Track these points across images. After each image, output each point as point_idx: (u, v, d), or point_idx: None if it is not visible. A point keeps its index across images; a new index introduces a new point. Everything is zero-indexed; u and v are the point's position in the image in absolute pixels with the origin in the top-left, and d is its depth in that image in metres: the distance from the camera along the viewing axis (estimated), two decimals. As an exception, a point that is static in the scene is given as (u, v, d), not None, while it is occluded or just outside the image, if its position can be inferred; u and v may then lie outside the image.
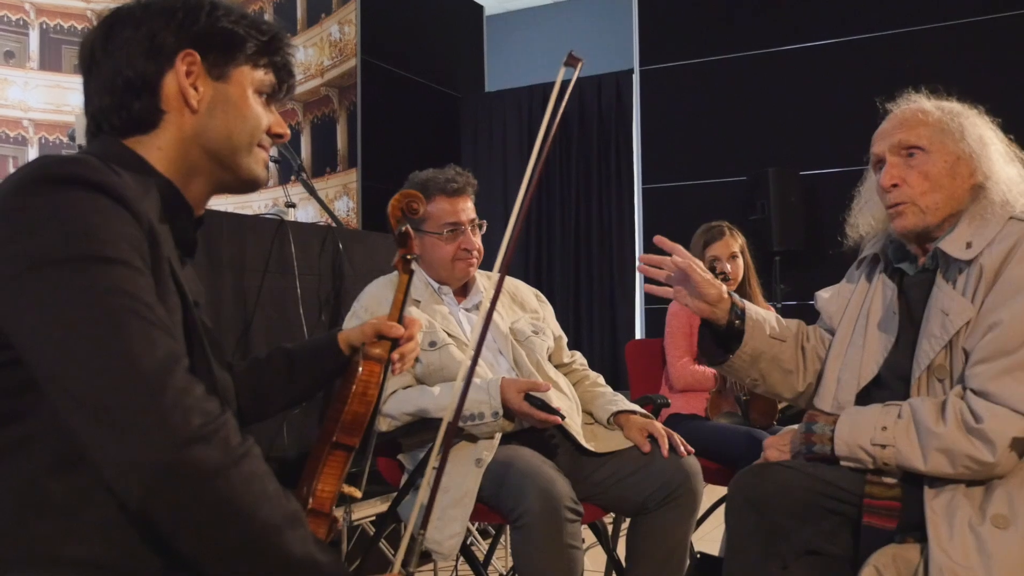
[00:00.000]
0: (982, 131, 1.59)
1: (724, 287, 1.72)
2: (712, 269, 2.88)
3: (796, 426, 1.68)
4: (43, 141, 5.93)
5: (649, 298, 5.97)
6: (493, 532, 2.86)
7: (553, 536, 1.77)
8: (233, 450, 0.88)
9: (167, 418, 0.84)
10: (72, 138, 3.81)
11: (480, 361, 2.03)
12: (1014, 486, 1.41)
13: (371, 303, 2.08)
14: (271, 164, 4.81)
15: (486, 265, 2.16)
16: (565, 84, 1.62)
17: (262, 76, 1.13)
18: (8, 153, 5.81)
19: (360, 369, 1.25)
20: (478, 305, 2.18)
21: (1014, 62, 4.80)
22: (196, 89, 1.08)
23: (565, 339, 2.34)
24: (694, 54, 5.78)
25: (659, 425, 2.03)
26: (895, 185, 1.59)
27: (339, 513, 2.24)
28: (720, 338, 1.75)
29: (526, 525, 1.78)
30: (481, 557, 2.67)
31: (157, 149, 1.08)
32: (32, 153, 5.90)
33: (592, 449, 2.05)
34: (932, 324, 1.53)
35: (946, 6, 5.02)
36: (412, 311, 2.05)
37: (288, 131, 1.19)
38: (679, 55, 5.83)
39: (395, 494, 2.05)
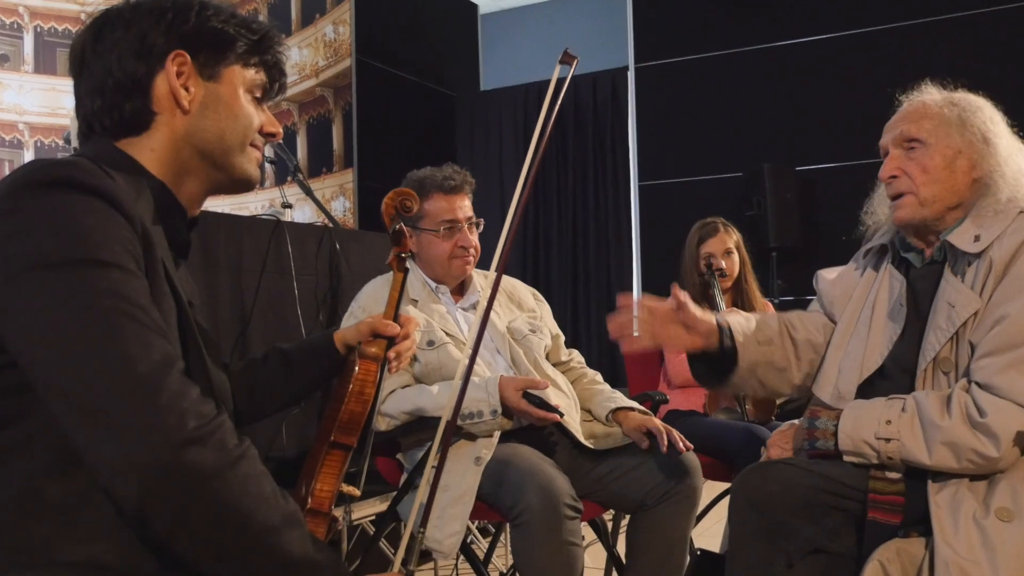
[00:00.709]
0: (987, 125, 1.58)
1: (711, 314, 1.72)
2: (708, 266, 2.90)
3: (797, 421, 1.67)
4: (39, 144, 5.92)
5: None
6: (493, 530, 2.86)
7: (553, 533, 1.77)
8: (229, 452, 0.88)
9: (162, 421, 0.84)
10: (68, 141, 3.81)
11: (478, 360, 2.03)
12: (1018, 479, 1.41)
13: (369, 303, 2.08)
14: (267, 165, 4.81)
15: (483, 263, 2.16)
16: (561, 82, 1.62)
17: (253, 75, 1.13)
18: (4, 157, 5.80)
19: (356, 368, 1.25)
20: (475, 304, 2.18)
21: (1014, 54, 4.80)
22: (187, 90, 1.07)
23: (563, 338, 2.34)
24: (689, 51, 5.78)
25: (658, 421, 2.03)
26: (894, 176, 1.61)
27: (339, 513, 2.24)
28: (713, 362, 1.75)
29: (526, 523, 1.78)
30: (481, 555, 2.67)
31: (149, 150, 1.07)
32: (28, 156, 5.88)
33: (591, 446, 2.05)
34: (939, 316, 1.53)
35: (941, -1, 5.03)
36: (409, 310, 2.05)
37: (280, 130, 1.18)
38: (674, 52, 5.83)
39: (395, 493, 2.05)
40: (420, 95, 6.42)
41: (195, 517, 0.86)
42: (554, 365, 2.24)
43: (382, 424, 1.98)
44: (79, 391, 0.84)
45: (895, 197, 1.61)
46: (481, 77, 7.19)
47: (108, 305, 0.87)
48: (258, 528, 0.89)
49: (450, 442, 1.62)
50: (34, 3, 5.93)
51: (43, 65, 5.97)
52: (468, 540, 1.93)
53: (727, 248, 2.92)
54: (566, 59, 1.64)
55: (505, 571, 2.65)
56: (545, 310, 2.34)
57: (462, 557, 1.95)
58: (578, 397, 2.20)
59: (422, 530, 1.58)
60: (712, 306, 2.88)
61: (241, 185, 1.15)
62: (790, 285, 5.12)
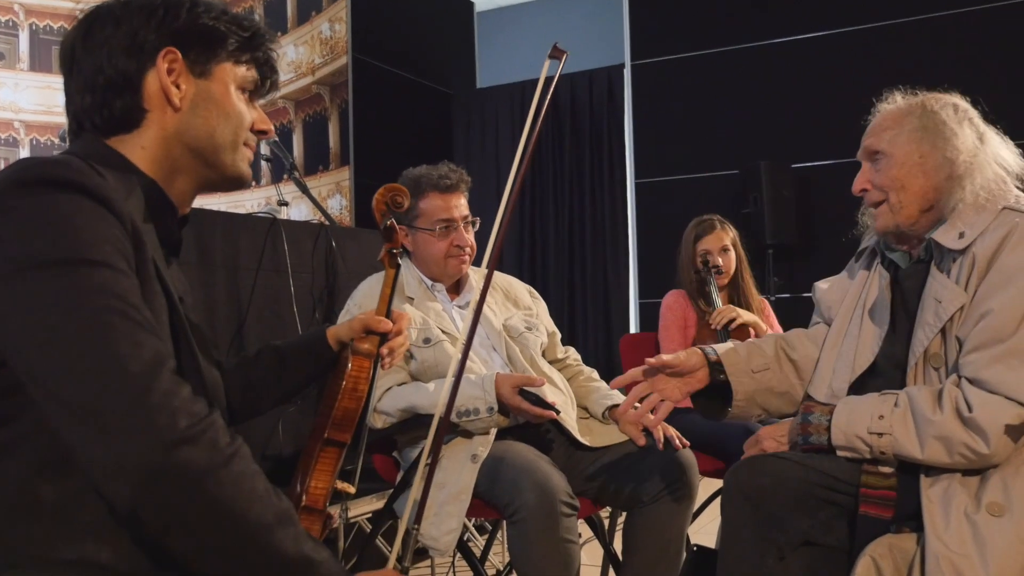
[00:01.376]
0: (950, 124, 1.60)
1: (696, 350, 1.75)
2: (704, 263, 2.90)
3: (792, 417, 1.68)
4: (34, 142, 5.91)
5: (643, 292, 5.98)
6: (490, 528, 2.87)
7: (549, 531, 1.77)
8: (221, 451, 0.88)
9: (154, 420, 0.84)
10: (63, 139, 3.79)
11: (474, 357, 2.04)
12: (1009, 473, 1.41)
13: (364, 300, 2.08)
14: (263, 163, 4.81)
15: (479, 261, 2.16)
16: (550, 78, 1.62)
17: (244, 72, 1.12)
18: (0, 155, 5.79)
19: (350, 365, 1.25)
20: (471, 302, 2.18)
21: (1007, 52, 4.80)
22: (178, 87, 1.07)
23: (559, 335, 2.34)
24: (685, 48, 5.78)
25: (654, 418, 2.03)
26: (865, 190, 1.67)
27: (335, 510, 2.24)
28: (711, 397, 1.78)
29: (522, 520, 1.78)
30: (478, 553, 2.67)
31: (140, 148, 1.07)
32: (24, 154, 5.87)
33: (587, 443, 2.06)
34: (926, 312, 1.55)
35: (937, -4, 5.03)
36: (406, 308, 2.05)
37: (272, 127, 1.18)
38: (670, 49, 5.83)
39: (391, 491, 2.05)
40: (416, 93, 6.41)
41: (188, 516, 0.86)
42: (550, 362, 2.24)
43: (378, 422, 1.98)
44: (70, 391, 0.84)
45: (873, 207, 1.67)
46: (477, 75, 7.19)
47: (99, 304, 0.86)
48: (251, 526, 0.88)
49: (443, 439, 1.62)
50: (29, 1, 5.92)
51: (39, 63, 5.96)
52: (465, 537, 1.93)
53: (724, 245, 2.93)
54: (555, 54, 1.63)
55: (502, 568, 2.65)
56: (541, 307, 2.34)
57: (459, 554, 1.95)
58: (574, 394, 2.20)
59: (416, 527, 1.58)
60: (709, 303, 2.88)
61: (233, 183, 1.14)
62: (786, 282, 5.12)
